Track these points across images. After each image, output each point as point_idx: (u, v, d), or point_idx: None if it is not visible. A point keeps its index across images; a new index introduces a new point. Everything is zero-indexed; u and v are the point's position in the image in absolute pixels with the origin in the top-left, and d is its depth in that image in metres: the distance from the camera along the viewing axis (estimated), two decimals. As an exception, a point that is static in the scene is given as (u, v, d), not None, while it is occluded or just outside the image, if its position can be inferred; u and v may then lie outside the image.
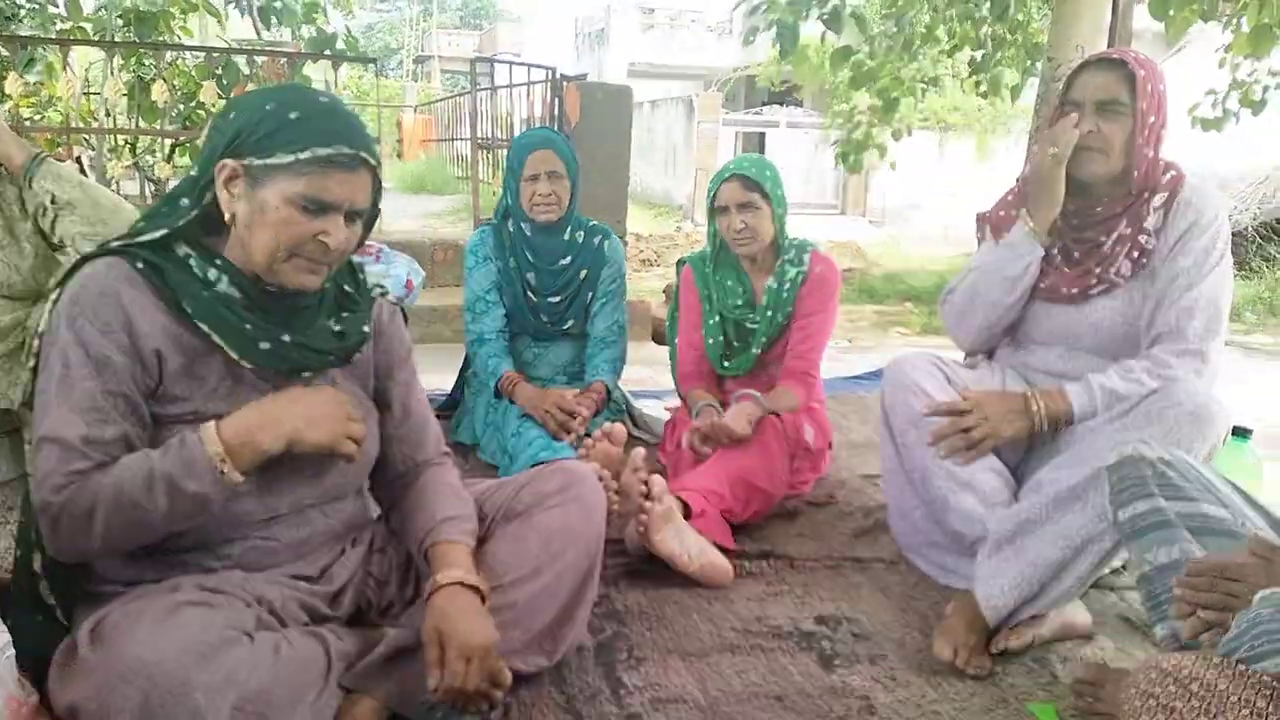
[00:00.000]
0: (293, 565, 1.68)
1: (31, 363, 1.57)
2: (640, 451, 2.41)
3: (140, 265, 1.52)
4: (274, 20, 7.27)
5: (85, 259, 1.56)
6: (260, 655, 1.41)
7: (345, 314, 1.69)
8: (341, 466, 1.67)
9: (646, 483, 2.33)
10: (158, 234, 1.54)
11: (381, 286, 1.83)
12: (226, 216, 1.53)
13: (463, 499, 1.83)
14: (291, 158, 1.47)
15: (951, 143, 15.29)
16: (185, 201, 1.56)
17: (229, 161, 1.50)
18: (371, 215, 1.63)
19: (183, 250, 1.56)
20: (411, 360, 1.87)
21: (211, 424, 1.48)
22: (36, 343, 1.55)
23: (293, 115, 1.49)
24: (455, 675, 1.56)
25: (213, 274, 1.55)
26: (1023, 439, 2.28)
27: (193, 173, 1.57)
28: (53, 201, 2.51)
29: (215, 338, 1.54)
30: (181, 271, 1.54)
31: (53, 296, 1.56)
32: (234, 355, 1.56)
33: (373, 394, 1.81)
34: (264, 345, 1.56)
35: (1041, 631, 2.10)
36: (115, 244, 1.56)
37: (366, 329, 1.71)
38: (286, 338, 1.58)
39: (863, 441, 3.68)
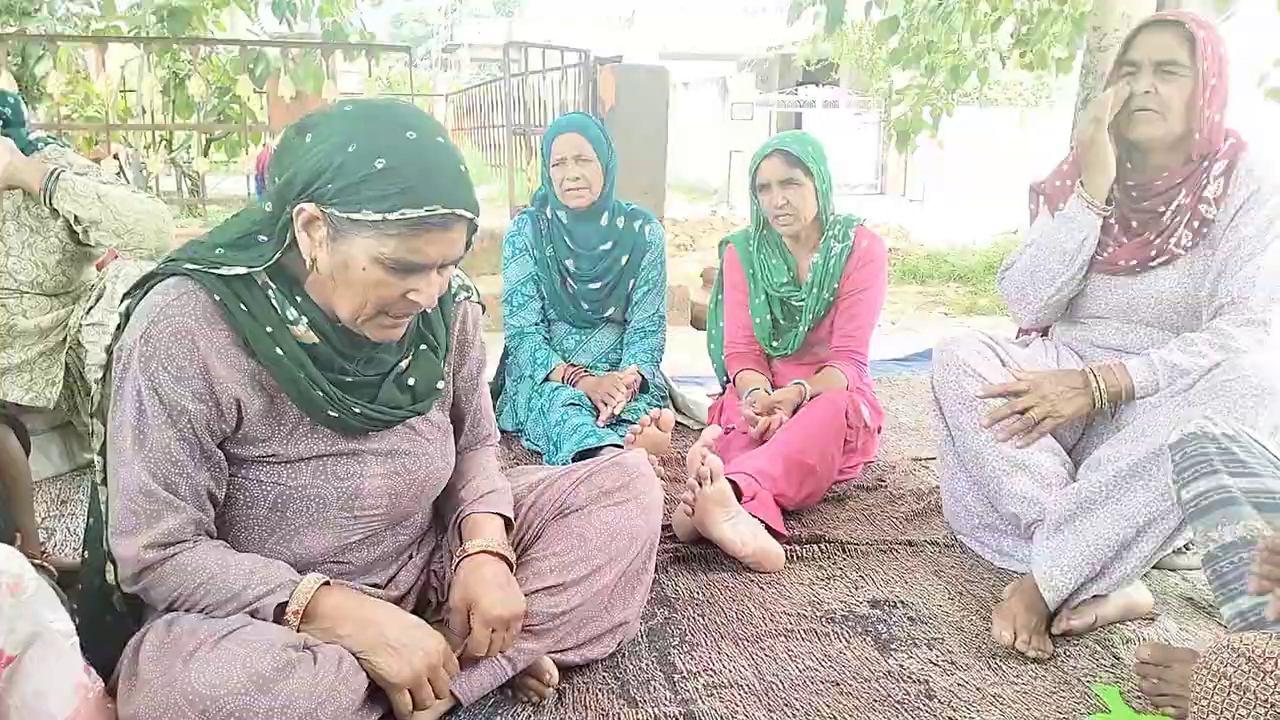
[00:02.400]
0: (363, 577, 1.69)
1: (99, 374, 1.56)
2: (715, 429, 2.39)
3: (217, 298, 1.44)
4: (285, 13, 7.25)
5: (157, 274, 1.49)
6: (320, 676, 1.41)
7: (423, 347, 1.63)
8: (412, 495, 1.68)
9: (704, 461, 2.31)
10: (238, 271, 1.44)
11: (466, 288, 1.75)
12: (307, 261, 1.43)
13: (498, 477, 1.83)
14: (379, 217, 1.35)
15: (993, 118, 15.10)
16: (264, 238, 1.45)
17: (307, 207, 1.38)
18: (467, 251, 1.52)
19: (262, 280, 1.47)
20: (485, 367, 1.85)
21: (311, 585, 1.48)
22: (104, 356, 1.53)
23: (379, 164, 1.34)
24: (478, 644, 1.58)
25: (292, 314, 1.48)
26: (1082, 417, 2.23)
27: (268, 206, 1.44)
28: (76, 220, 2.52)
29: (285, 395, 1.51)
30: (258, 311, 1.46)
31: (121, 309, 1.52)
32: (303, 413, 1.54)
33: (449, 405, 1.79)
34: (332, 414, 1.52)
35: (1104, 611, 2.06)
36: (189, 266, 1.45)
37: (440, 385, 1.65)
38: (357, 409, 1.54)
39: (911, 424, 3.63)
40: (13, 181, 2.51)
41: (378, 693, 1.50)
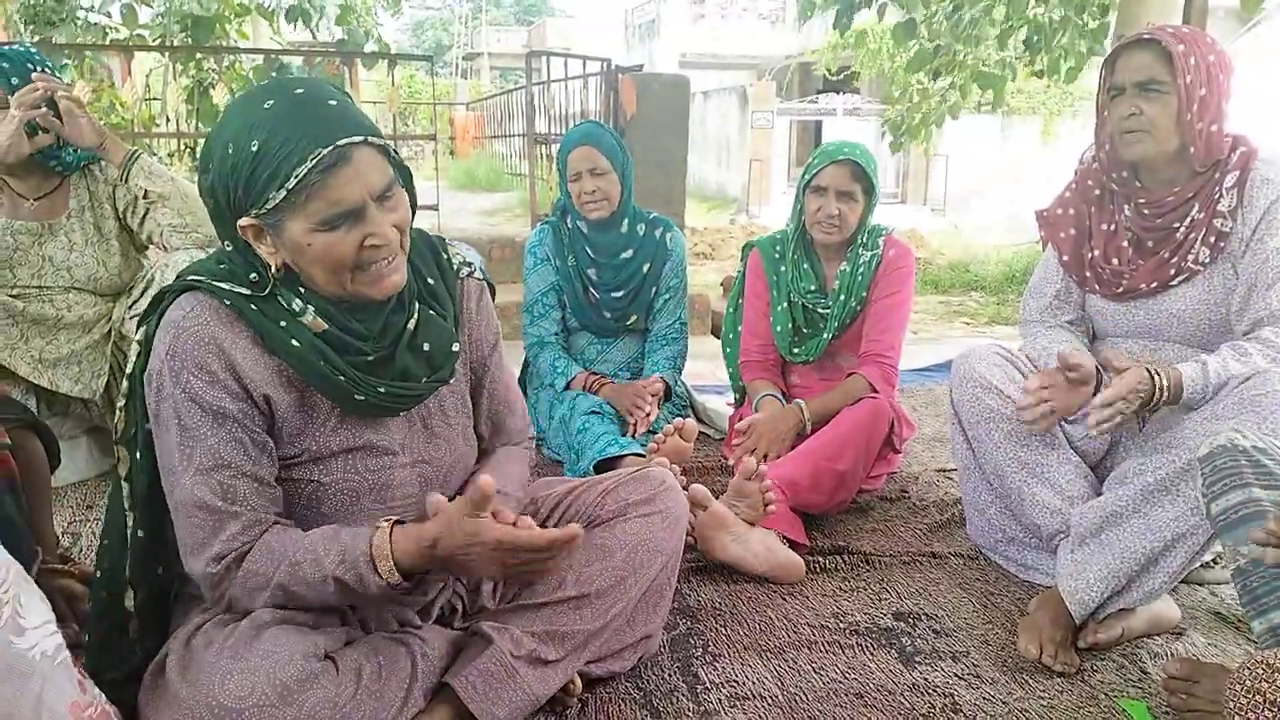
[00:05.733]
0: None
1: (122, 402, 1.56)
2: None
3: (228, 302, 1.47)
4: (300, 20, 7.27)
5: (165, 293, 1.52)
6: (342, 687, 1.42)
7: (431, 312, 1.63)
8: (441, 482, 1.68)
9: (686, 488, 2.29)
10: (242, 289, 1.48)
11: (469, 264, 1.76)
12: (275, 267, 1.47)
13: (518, 482, 1.80)
14: (283, 193, 1.38)
15: (1015, 127, 15.02)
16: (255, 276, 1.49)
17: (243, 222, 1.43)
18: (405, 180, 1.52)
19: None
20: (500, 343, 1.82)
21: (385, 539, 1.46)
22: (126, 383, 1.54)
23: (254, 148, 1.37)
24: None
25: (298, 305, 1.50)
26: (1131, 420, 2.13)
27: (228, 245, 1.50)
28: (145, 196, 2.66)
29: (312, 386, 1.52)
30: (269, 310, 1.48)
31: (138, 336, 1.54)
32: (331, 403, 1.55)
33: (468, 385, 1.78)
34: (359, 398, 1.53)
35: (1131, 625, 2.04)
36: (192, 279, 1.49)
37: (455, 348, 1.64)
38: (382, 389, 1.54)
39: (934, 435, 3.61)
40: (103, 146, 2.64)
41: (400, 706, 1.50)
